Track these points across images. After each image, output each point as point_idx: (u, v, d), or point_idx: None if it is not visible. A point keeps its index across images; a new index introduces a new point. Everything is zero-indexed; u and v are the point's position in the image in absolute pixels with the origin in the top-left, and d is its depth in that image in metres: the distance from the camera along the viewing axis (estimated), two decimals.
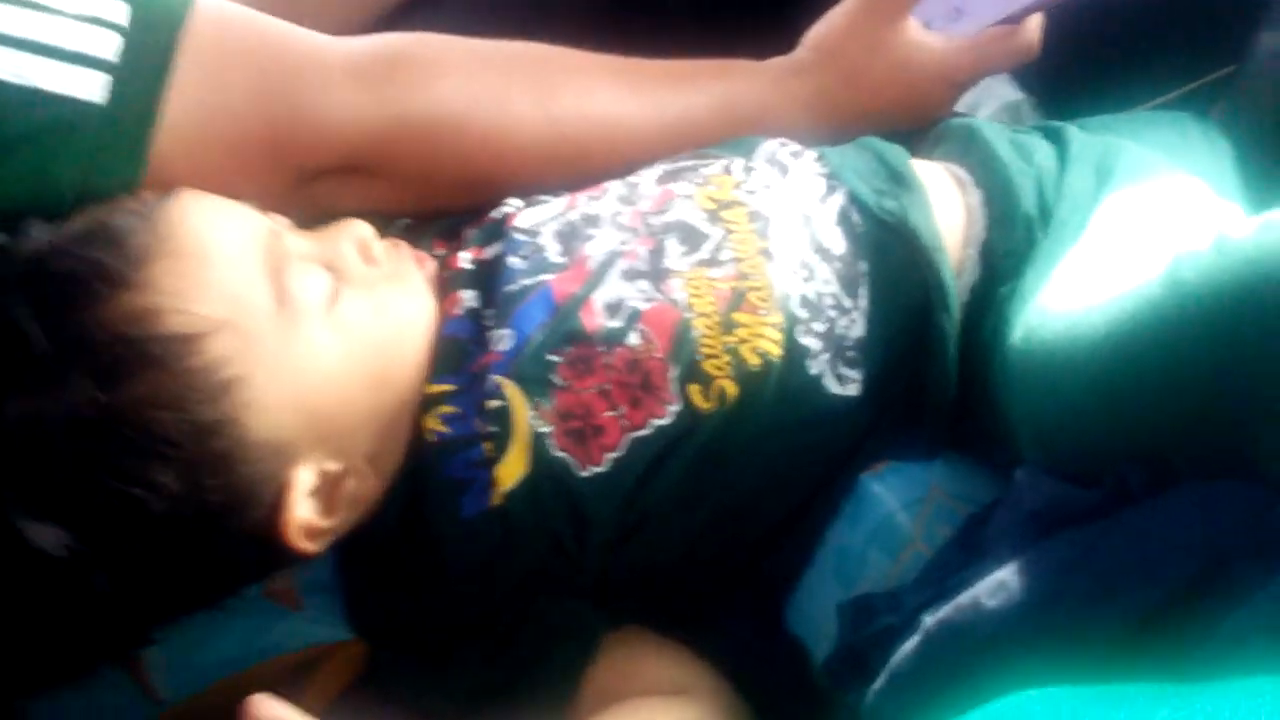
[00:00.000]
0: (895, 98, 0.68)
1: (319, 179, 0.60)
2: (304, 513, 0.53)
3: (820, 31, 0.68)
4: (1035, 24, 0.67)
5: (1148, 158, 0.63)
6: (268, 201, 0.57)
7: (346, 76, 0.58)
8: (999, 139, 0.63)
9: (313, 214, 0.60)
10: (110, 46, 0.52)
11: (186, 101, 0.54)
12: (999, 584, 0.45)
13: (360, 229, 0.58)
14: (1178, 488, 0.45)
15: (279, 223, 0.57)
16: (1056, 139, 0.65)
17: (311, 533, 0.54)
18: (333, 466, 0.54)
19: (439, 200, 0.63)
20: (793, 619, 0.59)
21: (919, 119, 0.69)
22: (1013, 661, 0.44)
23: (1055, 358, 0.50)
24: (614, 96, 0.64)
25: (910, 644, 0.47)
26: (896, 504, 0.56)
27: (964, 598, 0.45)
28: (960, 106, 0.75)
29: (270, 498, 0.52)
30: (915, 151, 0.65)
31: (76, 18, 0.52)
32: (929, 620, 0.46)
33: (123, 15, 0.53)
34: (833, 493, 0.58)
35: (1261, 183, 0.66)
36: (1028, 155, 0.63)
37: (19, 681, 0.53)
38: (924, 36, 0.67)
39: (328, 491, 0.54)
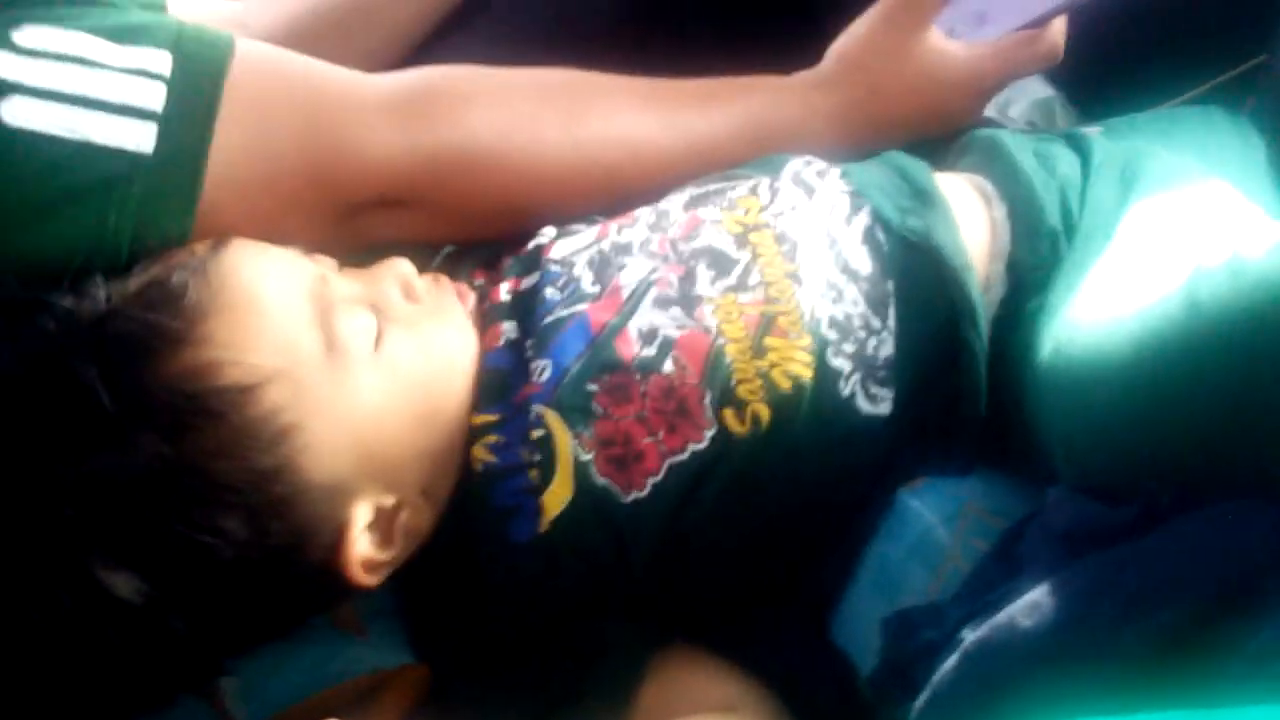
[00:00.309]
0: (921, 106, 0.68)
1: (360, 213, 0.61)
2: (363, 548, 0.55)
3: (843, 44, 0.68)
4: (1059, 27, 0.67)
5: (1173, 163, 0.63)
6: (313, 238, 0.59)
7: (383, 112, 0.60)
8: (1022, 151, 0.63)
9: (355, 247, 0.61)
10: (156, 97, 0.54)
11: (232, 146, 0.55)
12: (1033, 605, 0.46)
13: (402, 267, 0.60)
14: (1204, 508, 0.46)
15: (325, 264, 0.58)
16: (1079, 148, 0.65)
17: (371, 566, 0.56)
18: (388, 501, 0.56)
19: (475, 229, 0.65)
20: (838, 633, 0.59)
21: (946, 127, 0.69)
22: (1048, 681, 0.44)
23: (1083, 375, 0.51)
24: (640, 119, 0.65)
25: (950, 662, 0.47)
26: (935, 519, 0.57)
27: (1000, 617, 0.46)
28: (991, 103, 0.74)
29: (330, 536, 0.54)
30: (939, 163, 0.65)
31: (122, 70, 0.54)
32: (968, 639, 0.47)
33: (166, 65, 0.55)
34: (871, 509, 0.58)
35: None
36: (1051, 167, 0.63)
37: (102, 714, 0.55)
38: (947, 44, 0.67)
39: (384, 525, 0.56)
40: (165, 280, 0.53)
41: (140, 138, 0.53)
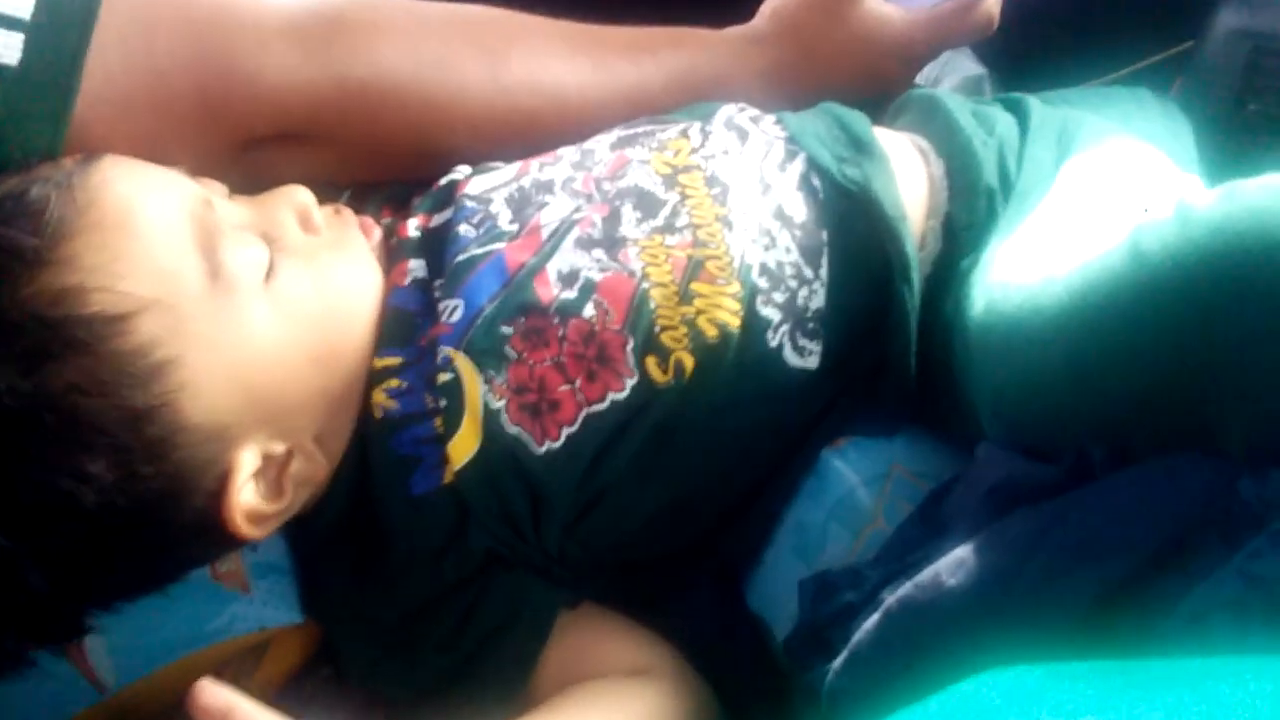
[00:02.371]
0: (853, 70, 0.67)
1: (258, 146, 0.58)
2: (248, 497, 0.51)
3: (779, 2, 0.68)
4: None
5: (1109, 129, 0.63)
6: (203, 170, 0.55)
7: (284, 38, 0.56)
8: (961, 110, 0.63)
9: (253, 184, 0.57)
10: (24, 4, 0.50)
11: (110, 63, 0.52)
12: (959, 561, 0.45)
13: (300, 195, 0.56)
14: (1139, 464, 0.45)
15: (213, 189, 0.54)
16: (1017, 110, 0.64)
17: (257, 518, 0.52)
18: (277, 448, 0.52)
19: (385, 169, 0.62)
20: (754, 597, 0.58)
21: (877, 92, 0.68)
22: (974, 639, 0.43)
23: (1017, 330, 0.50)
24: (567, 64, 0.63)
25: (871, 622, 0.46)
26: (857, 480, 0.56)
27: (924, 575, 0.45)
28: (921, 80, 0.75)
29: (211, 483, 0.50)
30: (877, 122, 0.64)
31: None
32: (890, 599, 0.46)
33: None
34: (793, 468, 0.57)
35: (1217, 161, 0.66)
36: (989, 126, 0.62)
37: None
38: (883, 9, 0.67)
39: (273, 474, 0.53)
40: (23, 193, 0.48)
41: (3, 47, 0.49)
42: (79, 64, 0.51)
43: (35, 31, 0.50)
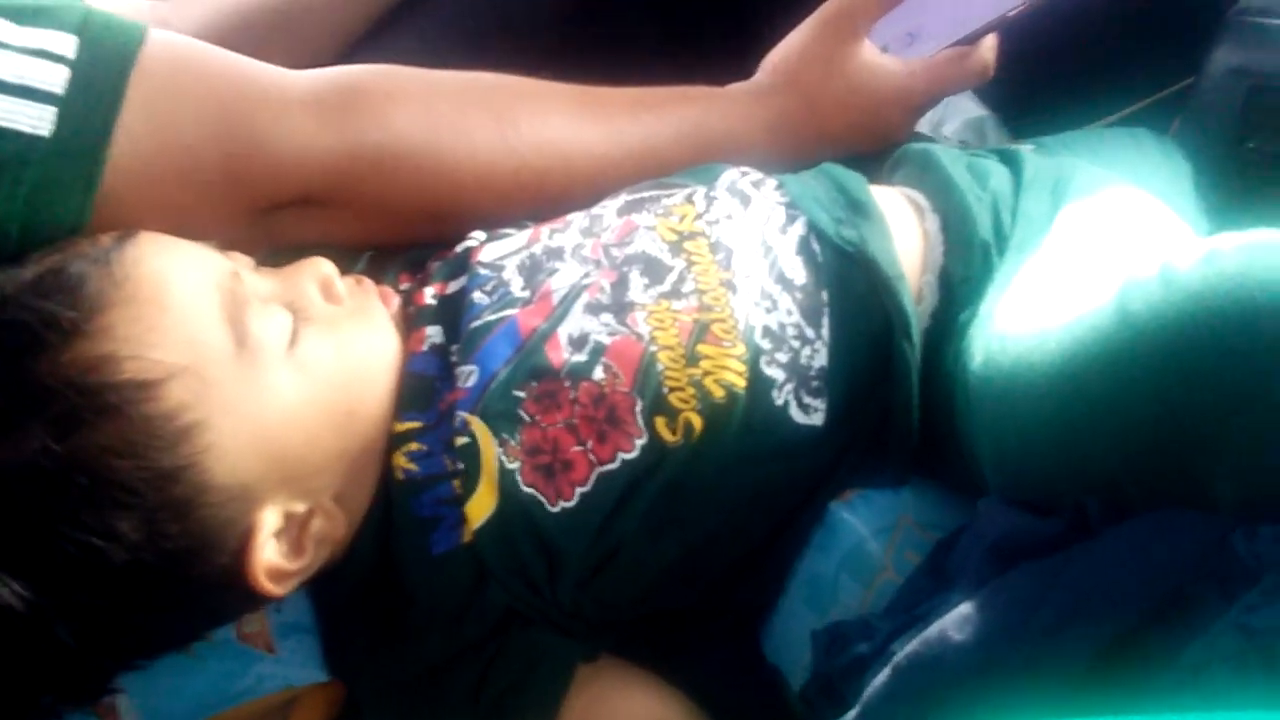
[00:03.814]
0: (854, 121, 0.68)
1: (278, 212, 0.59)
2: (270, 555, 0.53)
3: (778, 55, 0.69)
4: (990, 44, 0.68)
5: (1103, 177, 0.64)
6: (227, 237, 0.57)
7: (303, 108, 0.58)
8: (955, 164, 0.64)
9: (274, 248, 0.59)
10: (58, 79, 0.52)
11: (138, 135, 0.53)
12: (964, 618, 0.45)
13: (322, 267, 0.58)
14: (1134, 519, 0.46)
15: (240, 262, 0.56)
16: (1011, 163, 0.65)
17: (278, 575, 0.53)
18: (298, 508, 0.54)
19: (400, 232, 0.63)
20: (769, 647, 0.59)
21: (879, 141, 0.69)
22: (980, 694, 0.44)
23: (1013, 385, 0.50)
24: (574, 125, 0.64)
25: (881, 677, 0.47)
26: (867, 532, 0.56)
27: (931, 631, 0.46)
28: (924, 122, 0.75)
29: (235, 541, 0.52)
30: (873, 177, 0.65)
31: (22, 50, 0.52)
32: (898, 654, 0.47)
33: (70, 48, 0.52)
34: (803, 521, 0.58)
35: (1217, 199, 0.67)
36: (983, 180, 0.63)
37: None
38: (880, 59, 0.68)
39: (294, 533, 0.54)
40: (63, 268, 0.50)
41: (37, 120, 0.51)
42: (108, 136, 0.53)
43: (67, 105, 0.52)
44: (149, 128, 0.54)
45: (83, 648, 0.49)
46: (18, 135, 0.51)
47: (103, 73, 0.53)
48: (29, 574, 0.48)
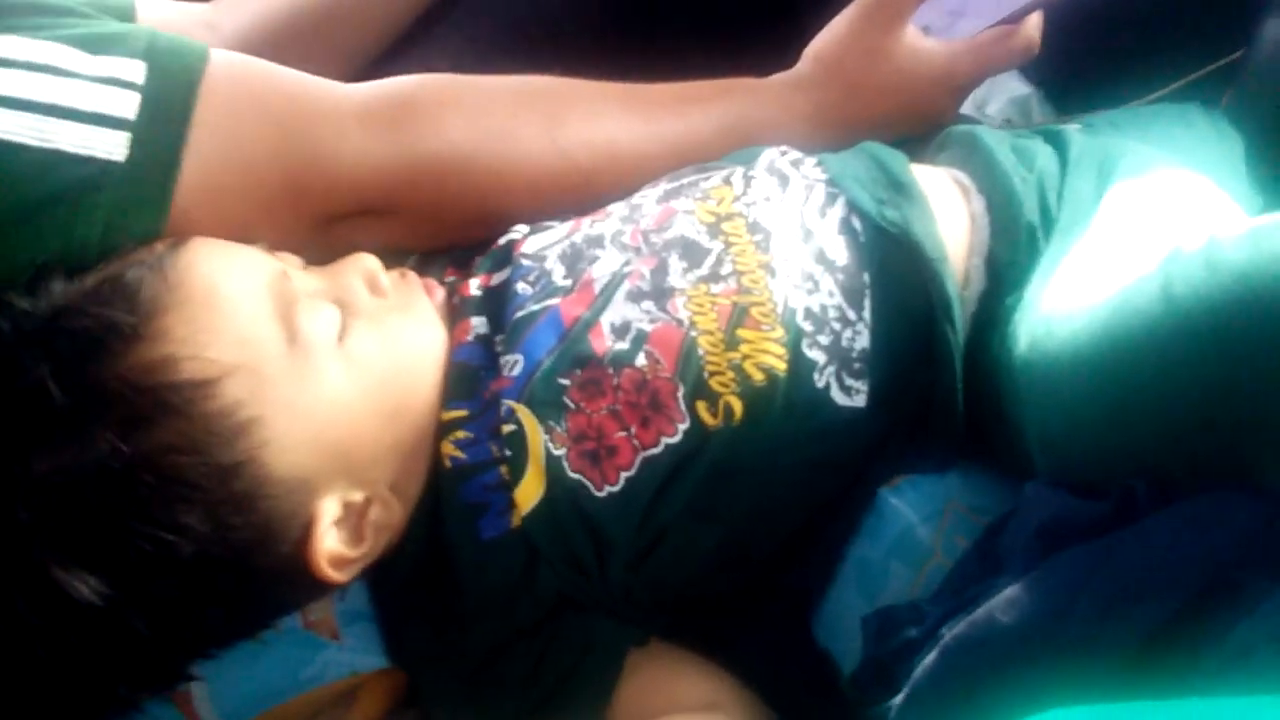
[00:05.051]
0: (899, 105, 0.68)
1: (336, 223, 0.61)
2: (331, 543, 0.54)
3: (820, 44, 0.69)
4: (1034, 22, 0.67)
5: (1150, 156, 0.62)
6: (286, 245, 0.59)
7: (359, 123, 0.60)
8: (1000, 146, 0.63)
9: (331, 255, 0.61)
10: (129, 105, 0.54)
11: (205, 155, 0.55)
12: (1011, 600, 0.45)
13: (367, 261, 0.59)
14: (1181, 501, 0.45)
15: (288, 262, 0.58)
16: (1057, 142, 0.64)
17: (340, 562, 0.55)
18: (356, 496, 0.55)
19: (452, 235, 0.65)
20: (820, 632, 0.59)
21: (924, 125, 0.69)
22: (1028, 676, 0.44)
23: (1058, 368, 0.50)
24: (621, 124, 0.65)
25: (929, 659, 0.47)
26: (915, 517, 0.56)
27: (979, 613, 0.46)
28: (968, 101, 0.74)
29: (297, 531, 0.54)
30: (918, 158, 0.64)
31: (95, 79, 0.54)
32: (946, 635, 0.47)
33: (139, 74, 0.55)
34: (851, 507, 0.58)
35: (1270, 173, 0.65)
36: (1029, 161, 0.62)
37: None
38: (924, 42, 0.67)
39: (353, 521, 0.56)
40: (120, 276, 0.52)
41: (112, 146, 0.53)
42: (178, 157, 0.55)
43: (139, 129, 0.54)
44: (214, 147, 0.56)
45: (156, 638, 0.51)
46: (94, 161, 0.53)
47: (171, 96, 0.55)
48: (104, 569, 0.50)
